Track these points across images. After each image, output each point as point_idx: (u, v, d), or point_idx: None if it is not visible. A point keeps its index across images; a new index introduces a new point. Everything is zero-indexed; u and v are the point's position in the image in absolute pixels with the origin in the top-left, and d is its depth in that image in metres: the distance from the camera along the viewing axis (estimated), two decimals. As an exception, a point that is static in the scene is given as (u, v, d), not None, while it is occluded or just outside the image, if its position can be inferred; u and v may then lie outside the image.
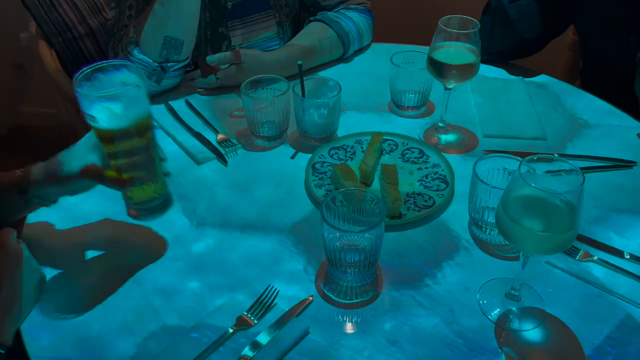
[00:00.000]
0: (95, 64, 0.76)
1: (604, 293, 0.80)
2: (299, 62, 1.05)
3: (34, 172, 0.78)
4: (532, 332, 0.75)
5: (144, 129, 0.79)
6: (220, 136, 1.10)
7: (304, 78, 1.06)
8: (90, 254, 0.86)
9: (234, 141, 1.09)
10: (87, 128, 1.13)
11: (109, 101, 0.74)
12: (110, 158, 0.79)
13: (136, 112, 0.77)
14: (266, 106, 1.05)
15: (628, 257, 0.84)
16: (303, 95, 1.05)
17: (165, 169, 0.88)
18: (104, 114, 0.75)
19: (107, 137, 0.78)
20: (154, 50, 1.12)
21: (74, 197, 0.96)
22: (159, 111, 1.16)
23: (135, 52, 1.13)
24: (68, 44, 1.34)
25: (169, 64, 1.15)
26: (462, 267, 0.84)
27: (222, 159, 1.05)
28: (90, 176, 0.76)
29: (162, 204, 0.87)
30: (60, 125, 1.24)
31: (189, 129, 1.11)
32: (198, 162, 1.04)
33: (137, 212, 0.87)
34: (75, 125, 1.25)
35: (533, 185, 0.64)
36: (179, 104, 1.18)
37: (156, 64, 1.13)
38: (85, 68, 0.76)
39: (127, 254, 0.87)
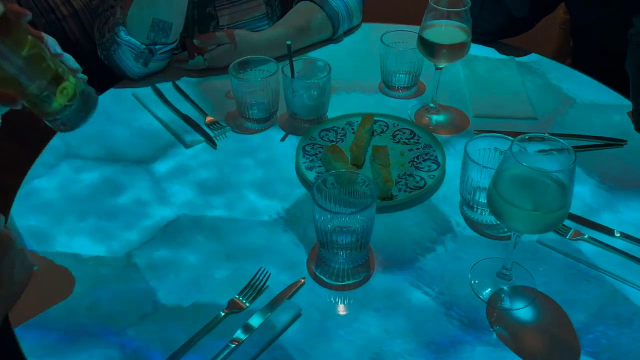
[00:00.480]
0: None
1: (594, 271, 0.80)
2: (288, 43, 1.03)
3: None
4: (523, 311, 0.75)
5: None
6: (208, 119, 1.08)
7: (293, 59, 1.04)
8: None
9: (223, 124, 1.07)
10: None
11: None
12: None
13: None
14: (255, 90, 1.03)
15: (618, 235, 0.84)
16: (292, 76, 1.04)
17: (72, 64, 0.69)
18: None
19: None
20: (142, 32, 1.10)
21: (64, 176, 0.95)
22: (145, 94, 1.15)
23: (122, 34, 1.10)
24: (52, 25, 1.30)
25: (157, 47, 1.12)
26: (454, 247, 0.84)
27: (211, 141, 1.03)
28: None
29: (80, 108, 0.68)
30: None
31: (177, 111, 1.10)
32: (186, 146, 1.03)
33: (59, 126, 0.69)
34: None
35: (525, 164, 0.63)
36: (166, 86, 1.17)
37: (144, 47, 1.11)
38: None
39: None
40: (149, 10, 1.09)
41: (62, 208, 0.90)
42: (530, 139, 0.68)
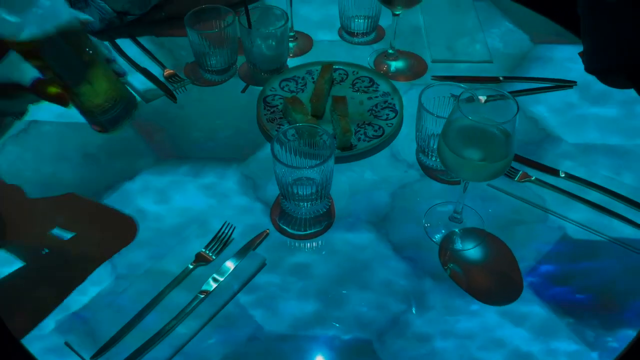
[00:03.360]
0: None
1: (540, 211, 0.86)
2: (243, -9, 1.01)
3: None
4: (472, 251, 0.81)
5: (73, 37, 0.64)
6: (167, 71, 1.07)
7: (249, 7, 1.03)
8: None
9: (182, 76, 1.07)
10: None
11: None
12: (40, 70, 0.66)
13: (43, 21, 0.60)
14: (213, 41, 1.01)
15: (563, 175, 0.89)
16: (249, 26, 1.03)
17: (118, 68, 0.74)
18: None
19: (24, 50, 0.63)
20: (119, 1, 1.07)
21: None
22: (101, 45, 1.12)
23: None
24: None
25: (128, 17, 1.10)
26: (410, 193, 0.88)
27: (170, 95, 1.03)
28: (35, 91, 0.67)
29: (121, 111, 0.72)
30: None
31: (135, 65, 1.08)
32: (146, 100, 1.02)
33: (99, 126, 0.73)
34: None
35: (470, 117, 0.66)
36: (123, 40, 1.14)
37: (115, 14, 1.08)
38: None
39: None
40: None
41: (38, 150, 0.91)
42: (480, 89, 0.71)
